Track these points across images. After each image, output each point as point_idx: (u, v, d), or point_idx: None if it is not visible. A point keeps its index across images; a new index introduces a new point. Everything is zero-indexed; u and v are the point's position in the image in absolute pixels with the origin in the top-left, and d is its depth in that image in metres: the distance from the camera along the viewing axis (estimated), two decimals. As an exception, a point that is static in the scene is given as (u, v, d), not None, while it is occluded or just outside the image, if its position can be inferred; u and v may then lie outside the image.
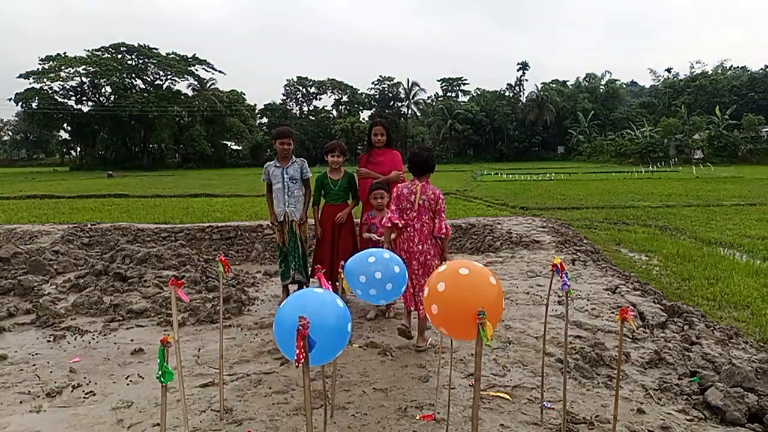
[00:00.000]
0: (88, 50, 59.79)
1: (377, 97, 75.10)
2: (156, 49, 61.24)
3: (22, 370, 3.93)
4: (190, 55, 63.06)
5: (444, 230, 4.27)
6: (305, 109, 76.93)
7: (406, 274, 3.21)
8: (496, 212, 13.66)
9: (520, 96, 70.95)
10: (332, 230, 5.51)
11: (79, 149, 69.19)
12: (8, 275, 6.34)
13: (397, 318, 5.10)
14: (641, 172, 34.04)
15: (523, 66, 70.36)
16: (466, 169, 43.38)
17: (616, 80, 73.84)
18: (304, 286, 5.75)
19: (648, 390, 3.52)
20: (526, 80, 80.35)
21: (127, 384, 3.68)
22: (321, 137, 65.10)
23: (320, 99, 78.25)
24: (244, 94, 68.66)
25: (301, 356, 1.81)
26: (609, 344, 4.23)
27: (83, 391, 3.55)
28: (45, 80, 57.63)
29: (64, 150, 73.18)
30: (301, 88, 75.70)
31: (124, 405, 3.34)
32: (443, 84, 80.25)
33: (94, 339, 4.58)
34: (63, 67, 57.84)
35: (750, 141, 47.97)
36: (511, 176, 32.13)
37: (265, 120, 74.92)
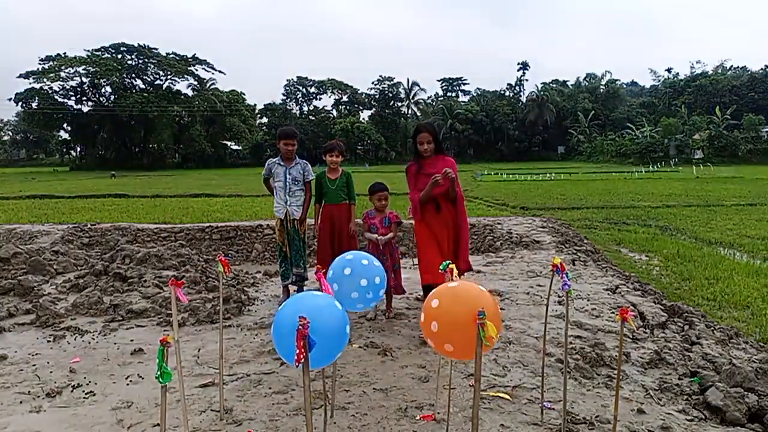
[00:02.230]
0: (88, 50, 59.97)
1: (377, 97, 75.01)
2: (156, 49, 61.33)
3: (22, 370, 3.92)
4: (189, 55, 63.12)
5: None
6: (305, 109, 76.90)
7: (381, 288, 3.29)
8: (497, 212, 13.66)
9: (520, 96, 71.02)
10: (332, 231, 5.51)
11: (79, 149, 69.21)
12: (8, 275, 6.33)
13: (398, 318, 5.10)
14: (641, 172, 34.07)
15: (523, 66, 70.44)
16: (466, 169, 43.23)
17: (616, 80, 73.93)
18: (303, 282, 5.78)
19: (648, 390, 3.51)
20: (526, 80, 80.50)
21: (127, 384, 3.67)
22: (321, 137, 65.01)
23: (320, 99, 78.35)
24: (244, 94, 68.82)
25: (301, 356, 1.80)
26: (609, 344, 4.23)
27: (83, 391, 3.54)
28: (45, 80, 57.69)
29: (64, 150, 73.19)
30: (301, 88, 75.64)
31: (124, 405, 3.33)
32: (443, 84, 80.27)
33: (93, 339, 4.57)
34: (63, 67, 57.88)
35: (750, 141, 48.03)
36: (511, 176, 32.17)
37: (265, 120, 74.89)
